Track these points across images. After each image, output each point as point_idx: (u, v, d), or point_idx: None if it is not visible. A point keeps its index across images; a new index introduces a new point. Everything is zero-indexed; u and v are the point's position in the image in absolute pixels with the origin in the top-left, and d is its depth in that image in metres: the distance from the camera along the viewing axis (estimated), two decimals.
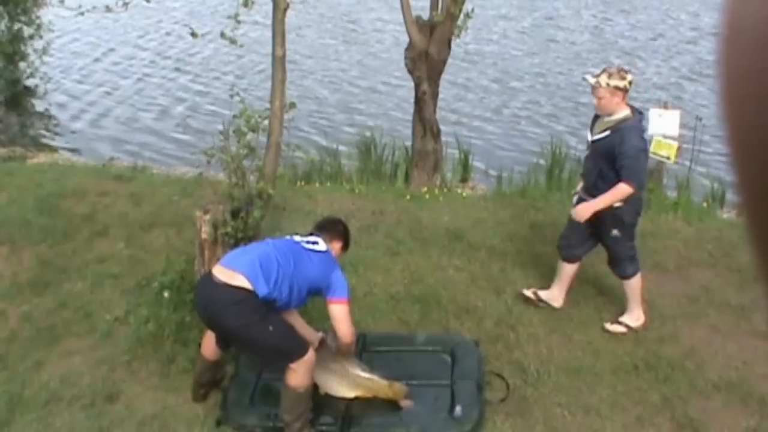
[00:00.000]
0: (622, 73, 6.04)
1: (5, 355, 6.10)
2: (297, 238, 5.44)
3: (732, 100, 0.43)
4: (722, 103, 0.44)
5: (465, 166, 10.86)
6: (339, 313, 5.25)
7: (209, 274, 5.20)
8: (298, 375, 5.10)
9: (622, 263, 6.49)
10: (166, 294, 6.49)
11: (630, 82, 6.04)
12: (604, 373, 6.06)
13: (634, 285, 6.52)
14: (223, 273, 5.05)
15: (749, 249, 0.46)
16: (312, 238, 5.43)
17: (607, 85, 5.97)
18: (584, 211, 6.25)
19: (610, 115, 6.08)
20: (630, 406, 5.76)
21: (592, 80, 6.07)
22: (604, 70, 6.11)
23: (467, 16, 8.90)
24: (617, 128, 6.04)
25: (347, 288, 5.32)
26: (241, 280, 4.95)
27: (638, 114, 6.17)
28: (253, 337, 5.05)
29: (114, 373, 5.96)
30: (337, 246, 5.55)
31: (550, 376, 6.02)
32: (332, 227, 5.64)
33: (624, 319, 6.55)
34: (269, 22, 6.71)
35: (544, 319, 6.66)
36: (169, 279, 6.61)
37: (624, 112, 6.07)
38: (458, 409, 5.47)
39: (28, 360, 6.05)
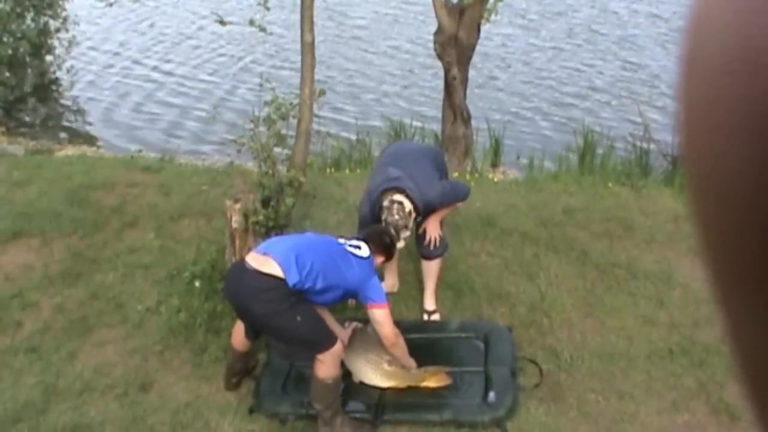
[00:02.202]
0: (402, 212, 5.70)
1: (39, 345, 6.15)
2: (341, 240, 5.44)
3: (690, 127, 0.42)
4: (680, 129, 0.43)
5: (496, 152, 10.80)
6: (380, 317, 5.26)
7: (241, 261, 5.21)
8: (326, 366, 5.09)
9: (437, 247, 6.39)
10: (197, 284, 6.50)
11: (409, 201, 5.75)
12: (638, 359, 6.01)
13: (436, 267, 6.46)
14: (255, 260, 5.05)
15: (707, 280, 0.46)
16: (356, 242, 5.42)
17: (410, 231, 5.81)
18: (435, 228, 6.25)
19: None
20: (665, 391, 5.71)
21: (403, 244, 5.83)
22: (397, 231, 5.67)
23: None
24: (431, 209, 6.00)
25: (384, 293, 5.35)
26: (273, 267, 4.95)
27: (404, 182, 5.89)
28: (280, 326, 5.04)
29: (147, 363, 5.98)
30: (379, 259, 5.54)
31: (583, 362, 5.98)
32: (379, 239, 5.55)
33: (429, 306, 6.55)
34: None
35: (578, 304, 6.61)
36: (200, 269, 6.61)
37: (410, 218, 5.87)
38: (492, 395, 5.46)
39: (61, 350, 6.09)
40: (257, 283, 4.95)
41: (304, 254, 5.06)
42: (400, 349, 5.47)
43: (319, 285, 5.05)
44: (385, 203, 5.70)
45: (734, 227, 0.40)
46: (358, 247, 5.37)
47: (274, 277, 4.93)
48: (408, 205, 5.69)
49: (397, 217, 5.66)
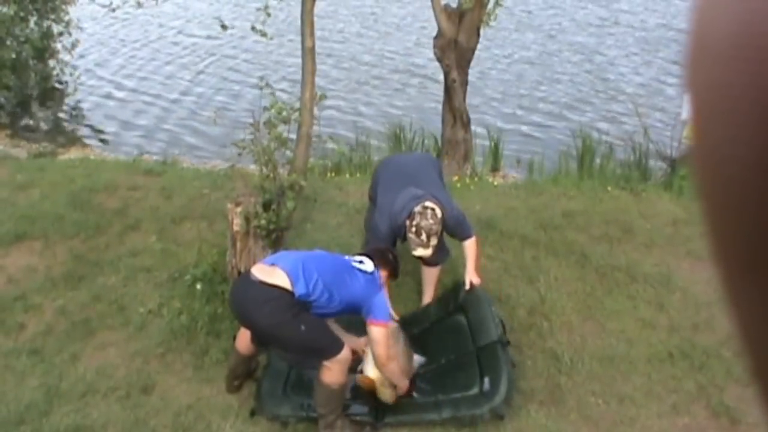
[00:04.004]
0: (436, 218, 5.74)
1: (42, 348, 6.16)
2: (347, 257, 5.47)
3: (698, 116, 0.42)
4: (691, 118, 0.43)
5: (495, 155, 10.82)
6: (377, 335, 5.21)
7: (247, 273, 5.23)
8: (332, 373, 5.09)
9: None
10: (198, 286, 6.53)
11: (440, 210, 5.79)
12: (638, 362, 6.04)
13: (437, 272, 6.52)
14: (261, 271, 5.08)
15: (715, 272, 0.45)
16: (360, 258, 5.45)
17: (438, 239, 5.80)
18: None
19: None
20: (665, 394, 5.73)
21: (430, 251, 5.84)
22: (428, 237, 5.73)
23: (497, 3, 8.86)
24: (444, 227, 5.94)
25: (388, 312, 5.33)
26: (279, 277, 4.98)
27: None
28: (285, 336, 5.04)
29: (148, 365, 6.00)
30: (384, 273, 5.53)
31: (583, 365, 6.00)
32: (381, 255, 5.58)
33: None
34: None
35: (578, 307, 6.63)
36: (202, 271, 6.64)
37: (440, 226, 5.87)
38: (486, 381, 5.46)
39: (64, 353, 6.11)
40: (261, 294, 4.97)
41: (310, 266, 5.09)
42: (391, 372, 5.38)
43: (324, 297, 5.06)
44: (418, 209, 5.73)
45: (743, 216, 0.40)
46: (362, 262, 5.39)
47: (279, 288, 4.95)
48: (439, 213, 5.73)
49: (431, 221, 5.70)
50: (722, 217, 0.42)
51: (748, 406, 5.56)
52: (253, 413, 5.49)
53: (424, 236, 5.69)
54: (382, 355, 5.24)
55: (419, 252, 5.83)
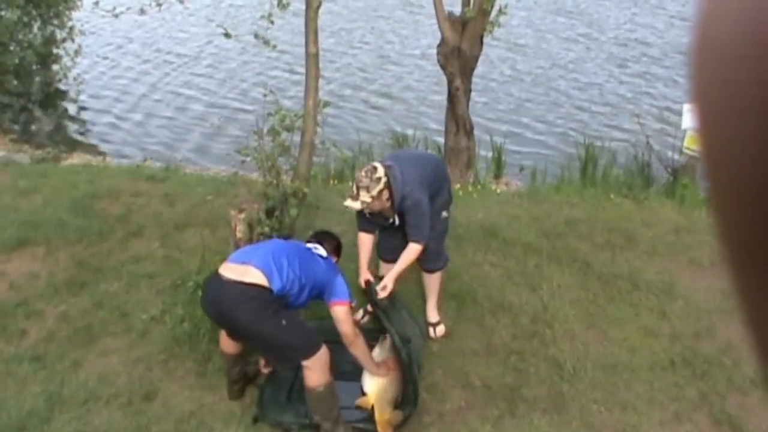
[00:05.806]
0: (372, 175, 5.54)
1: (44, 354, 6.16)
2: (303, 243, 5.56)
3: (703, 114, 0.42)
4: (697, 117, 0.43)
5: (498, 163, 10.84)
6: (341, 314, 5.26)
7: (216, 274, 5.20)
8: (314, 373, 5.10)
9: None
10: (201, 293, 6.52)
11: (384, 173, 5.58)
12: (640, 369, 6.04)
13: (437, 279, 6.44)
14: (233, 270, 5.08)
15: (727, 275, 0.45)
16: (313, 244, 5.55)
17: (373, 198, 5.54)
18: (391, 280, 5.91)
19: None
20: (667, 402, 5.73)
21: (359, 206, 5.58)
22: (357, 189, 5.52)
23: (500, 11, 8.87)
24: (402, 208, 5.74)
25: (348, 291, 5.36)
26: (255, 275, 5.00)
27: (393, 169, 5.70)
28: (266, 333, 5.04)
29: (151, 372, 6.00)
30: (333, 259, 5.65)
31: (586, 373, 6.00)
32: (330, 240, 5.75)
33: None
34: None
35: (580, 315, 6.63)
36: (204, 278, 6.63)
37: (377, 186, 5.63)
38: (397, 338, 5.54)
39: (66, 359, 6.11)
40: (240, 293, 4.98)
41: (280, 258, 5.14)
42: (360, 349, 5.40)
43: (297, 286, 5.12)
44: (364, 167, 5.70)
45: (750, 212, 0.40)
46: (317, 248, 5.51)
47: (257, 286, 4.97)
48: (380, 173, 5.55)
49: (363, 173, 5.58)
50: (731, 216, 0.42)
51: (749, 414, 5.57)
52: (255, 420, 5.49)
53: (354, 187, 5.57)
54: (348, 333, 5.29)
55: (347, 202, 5.62)
